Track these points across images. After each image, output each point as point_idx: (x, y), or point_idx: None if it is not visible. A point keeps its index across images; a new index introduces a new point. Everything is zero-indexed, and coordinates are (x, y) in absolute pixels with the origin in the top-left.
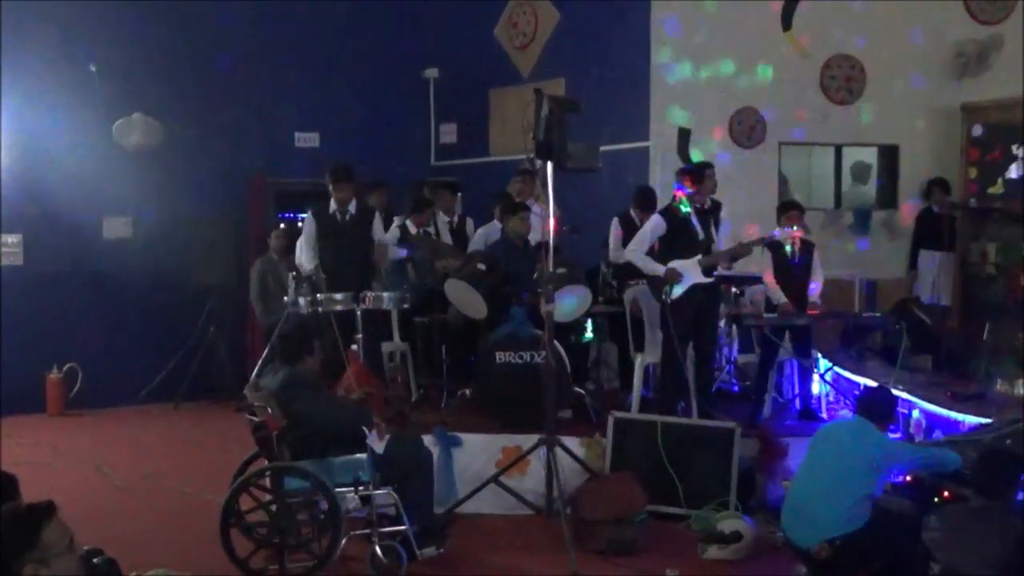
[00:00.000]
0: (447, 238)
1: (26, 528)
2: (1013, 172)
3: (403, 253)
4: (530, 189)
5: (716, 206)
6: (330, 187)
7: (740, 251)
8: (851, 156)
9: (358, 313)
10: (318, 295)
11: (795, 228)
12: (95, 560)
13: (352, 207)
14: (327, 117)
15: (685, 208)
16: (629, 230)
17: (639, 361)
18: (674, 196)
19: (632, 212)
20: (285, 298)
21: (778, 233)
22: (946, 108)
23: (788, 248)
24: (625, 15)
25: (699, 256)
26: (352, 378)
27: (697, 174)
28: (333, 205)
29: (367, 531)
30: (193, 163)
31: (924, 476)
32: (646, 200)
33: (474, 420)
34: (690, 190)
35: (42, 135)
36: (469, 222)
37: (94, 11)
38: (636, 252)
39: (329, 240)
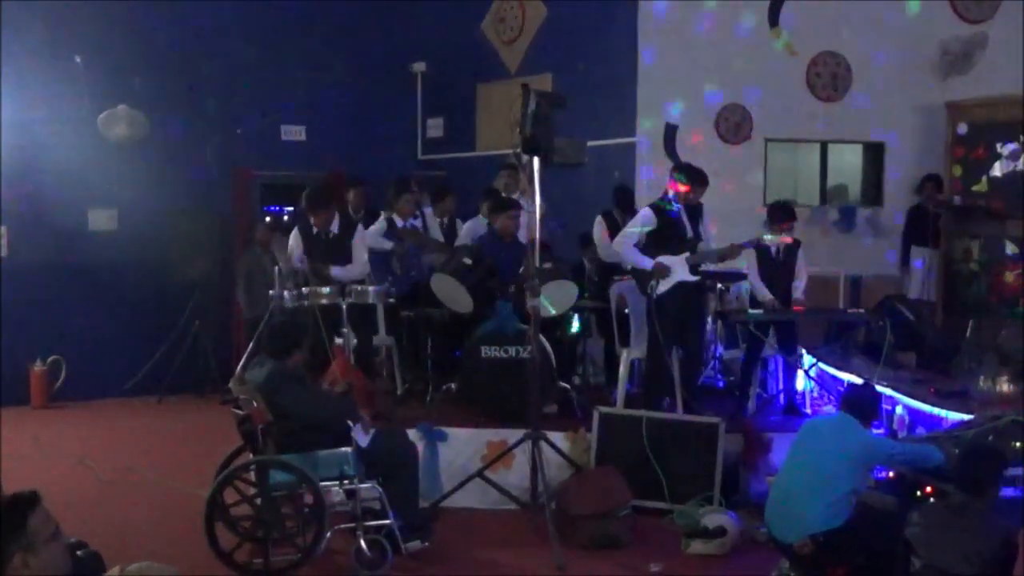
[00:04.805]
0: (437, 233)
1: (12, 517)
2: (997, 170)
3: (386, 245)
4: (516, 183)
5: (699, 206)
6: (309, 217)
7: (728, 253)
8: (837, 153)
9: (343, 307)
10: (303, 288)
11: (783, 235)
12: (79, 553)
13: (335, 226)
14: (314, 110)
15: (674, 206)
16: (613, 229)
17: (624, 356)
18: (667, 189)
19: (615, 212)
20: (271, 291)
21: (768, 239)
22: (931, 106)
23: (773, 248)
24: (612, 11)
25: (687, 254)
26: (336, 372)
27: (692, 175)
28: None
29: (352, 525)
30: (179, 155)
31: (907, 472)
32: (625, 200)
33: (459, 414)
34: (683, 188)
35: (28, 127)
36: (459, 223)
37: (80, 3)
38: (625, 245)
39: (314, 254)
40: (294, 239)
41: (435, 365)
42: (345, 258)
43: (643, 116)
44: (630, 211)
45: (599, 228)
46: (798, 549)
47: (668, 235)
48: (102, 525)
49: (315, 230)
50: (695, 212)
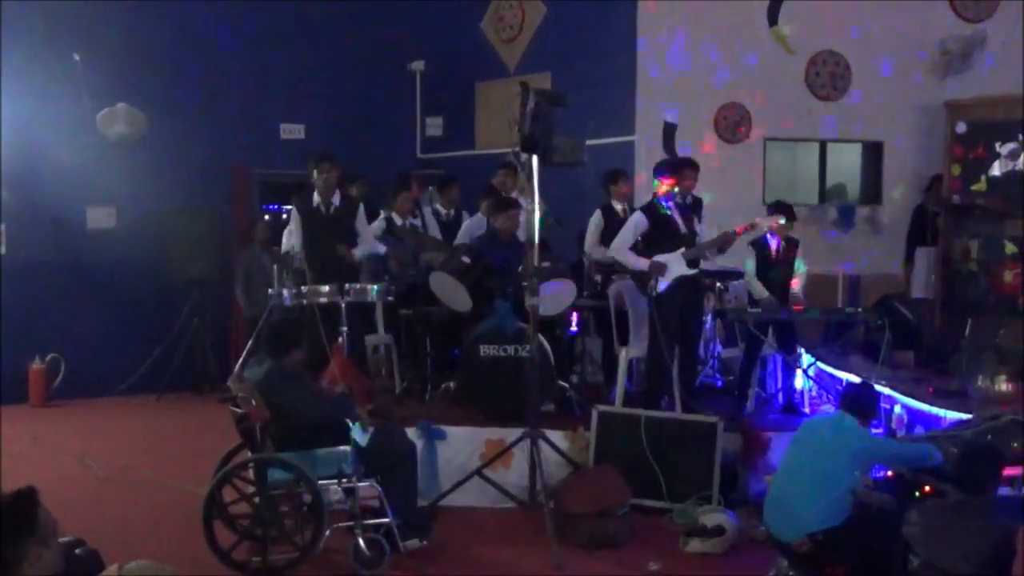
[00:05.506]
0: (436, 231)
1: (23, 510)
2: (996, 169)
3: (380, 249)
4: (513, 183)
5: (697, 202)
6: (313, 174)
7: (724, 240)
8: (836, 152)
9: (343, 305)
10: (303, 287)
11: (776, 218)
12: (77, 551)
13: (336, 199)
14: (313, 108)
15: (665, 205)
16: (611, 223)
17: (623, 355)
18: (655, 192)
19: (613, 202)
20: (270, 290)
21: (760, 220)
22: (930, 105)
23: (772, 244)
24: (611, 9)
25: (683, 249)
26: (336, 370)
27: (675, 168)
28: (316, 198)
29: (350, 523)
30: (178, 154)
31: (905, 471)
32: (611, 175)
33: (458, 413)
34: (668, 183)
35: (27, 125)
36: (465, 215)
37: (79, 2)
38: (620, 249)
39: (314, 232)
40: (293, 222)
41: (434, 364)
42: (348, 237)
43: (642, 114)
44: (618, 178)
45: (594, 228)
46: (796, 548)
47: (662, 235)
48: (100, 523)
49: (315, 202)
50: (691, 209)
